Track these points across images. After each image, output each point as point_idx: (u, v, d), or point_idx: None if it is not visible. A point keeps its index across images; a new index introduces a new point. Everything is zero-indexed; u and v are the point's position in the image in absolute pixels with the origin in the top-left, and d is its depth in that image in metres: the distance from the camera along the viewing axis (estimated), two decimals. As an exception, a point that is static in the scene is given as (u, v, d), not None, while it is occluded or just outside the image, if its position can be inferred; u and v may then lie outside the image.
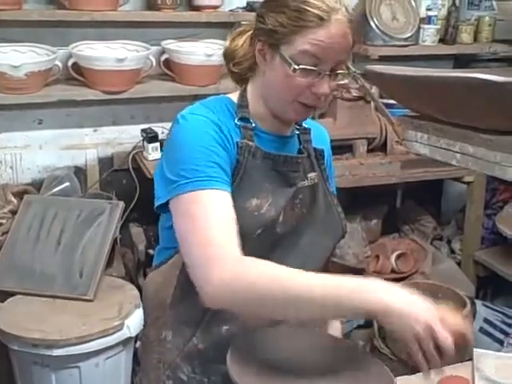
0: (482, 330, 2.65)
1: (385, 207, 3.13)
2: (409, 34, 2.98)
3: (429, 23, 3.03)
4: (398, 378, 1.35)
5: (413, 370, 2.24)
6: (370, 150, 2.82)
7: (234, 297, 1.02)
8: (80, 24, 2.56)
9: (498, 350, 2.14)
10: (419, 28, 3.01)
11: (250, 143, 1.22)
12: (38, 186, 2.63)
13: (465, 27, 3.10)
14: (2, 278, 2.27)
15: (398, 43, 2.96)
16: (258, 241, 1.19)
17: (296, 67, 1.15)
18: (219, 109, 1.24)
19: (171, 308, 1.26)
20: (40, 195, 2.54)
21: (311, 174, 1.31)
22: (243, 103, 1.27)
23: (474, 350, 1.51)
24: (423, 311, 0.93)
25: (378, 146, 2.84)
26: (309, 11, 1.13)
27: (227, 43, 1.31)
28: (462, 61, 3.17)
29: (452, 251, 3.18)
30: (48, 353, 2.02)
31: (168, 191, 1.14)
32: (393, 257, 2.89)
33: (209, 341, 1.24)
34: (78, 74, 2.56)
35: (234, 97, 1.29)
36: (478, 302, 2.76)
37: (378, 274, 2.87)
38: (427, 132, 0.92)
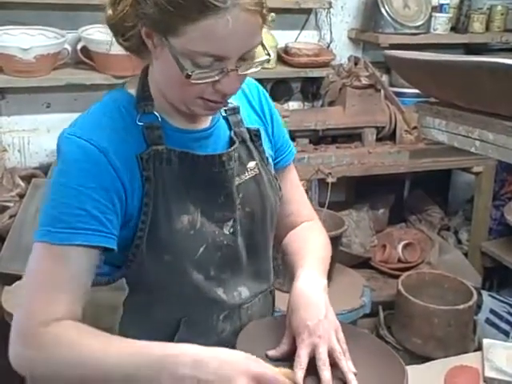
0: (488, 320, 2.65)
1: (392, 197, 3.13)
2: (420, 23, 2.95)
3: (441, 11, 3.00)
4: (407, 368, 1.34)
5: (418, 359, 2.26)
6: (378, 139, 2.81)
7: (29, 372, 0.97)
8: (90, 7, 2.52)
9: (504, 341, 2.13)
10: (431, 16, 2.98)
11: (160, 148, 1.00)
12: (45, 169, 2.62)
13: (477, 16, 3.07)
14: (9, 261, 2.27)
15: (409, 31, 2.93)
16: (207, 260, 1.07)
17: (189, 73, 0.91)
18: (112, 116, 1.01)
19: (122, 333, 1.03)
20: (48, 179, 2.54)
21: (251, 164, 1.11)
22: (144, 94, 1.03)
23: (484, 340, 1.50)
24: (236, 374, 0.87)
25: (387, 135, 2.83)
26: None
27: (108, 10, 0.98)
28: (472, 50, 3.14)
29: (459, 242, 3.17)
30: (55, 336, 2.03)
31: (35, 233, 0.98)
32: (399, 246, 2.89)
33: None
34: (86, 57, 2.54)
35: (134, 88, 1.05)
36: (485, 293, 2.76)
37: (385, 263, 2.87)
38: (446, 118, 0.90)
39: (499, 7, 3.13)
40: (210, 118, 1.09)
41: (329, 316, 1.07)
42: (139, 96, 1.03)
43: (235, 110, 1.12)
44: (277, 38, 2.75)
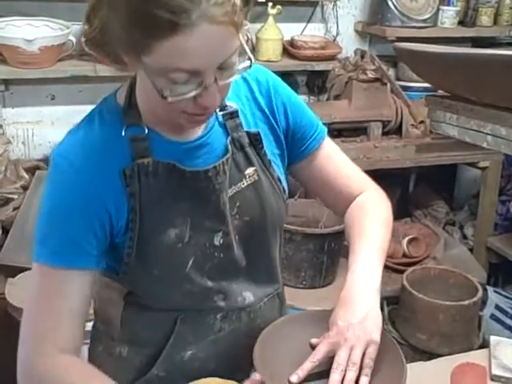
0: (493, 316, 2.64)
1: (397, 191, 3.11)
2: (427, 16, 2.92)
3: (448, 5, 2.97)
4: (413, 365, 1.33)
5: (422, 354, 2.25)
6: (384, 133, 2.79)
7: None
8: (94, -2, 2.52)
9: (509, 337, 2.12)
10: (438, 9, 2.96)
11: (146, 160, 0.97)
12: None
13: (485, 9, 3.04)
14: (12, 254, 2.26)
15: (416, 25, 2.90)
16: (199, 272, 1.04)
17: (165, 95, 0.88)
18: (97, 131, 0.99)
19: (123, 326, 1.12)
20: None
21: (249, 170, 1.07)
22: (131, 105, 1.00)
23: (491, 337, 1.49)
24: None
25: (393, 129, 2.81)
26: (154, 14, 0.81)
27: (85, 26, 0.97)
28: (480, 44, 3.12)
29: (464, 237, 3.16)
30: (58, 329, 2.02)
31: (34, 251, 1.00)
32: (404, 241, 2.87)
33: (170, 367, 1.11)
34: (91, 49, 2.53)
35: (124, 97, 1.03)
36: (490, 289, 2.74)
37: (390, 258, 2.85)
38: (457, 112, 0.89)
39: (507, 1, 3.09)
40: (203, 126, 1.05)
41: (366, 324, 1.02)
42: (125, 107, 1.01)
43: (233, 114, 1.07)
44: (283, 30, 2.73)
